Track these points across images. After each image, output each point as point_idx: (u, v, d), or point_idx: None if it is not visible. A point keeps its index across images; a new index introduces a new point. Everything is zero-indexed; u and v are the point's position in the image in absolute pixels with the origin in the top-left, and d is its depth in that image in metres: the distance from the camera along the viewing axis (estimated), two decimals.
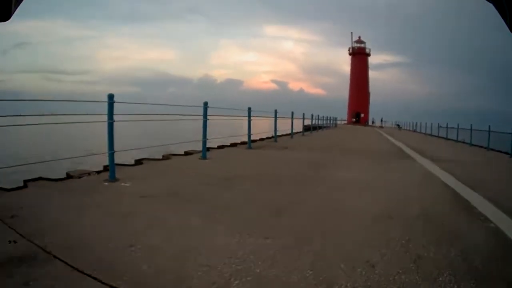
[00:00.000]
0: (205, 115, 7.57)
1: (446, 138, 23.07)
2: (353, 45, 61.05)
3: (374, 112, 61.03)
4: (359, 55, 60.02)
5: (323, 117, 32.00)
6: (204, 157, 7.62)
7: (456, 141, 20.16)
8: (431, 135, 28.01)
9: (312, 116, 24.91)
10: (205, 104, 7.55)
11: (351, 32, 61.90)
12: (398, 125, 45.84)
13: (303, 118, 21.67)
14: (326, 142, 15.03)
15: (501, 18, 1.23)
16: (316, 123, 28.52)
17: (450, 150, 14.29)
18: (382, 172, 6.66)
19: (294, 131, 17.29)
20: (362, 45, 61.05)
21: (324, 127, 32.27)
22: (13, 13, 1.20)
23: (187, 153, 8.64)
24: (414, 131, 36.96)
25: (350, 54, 61.32)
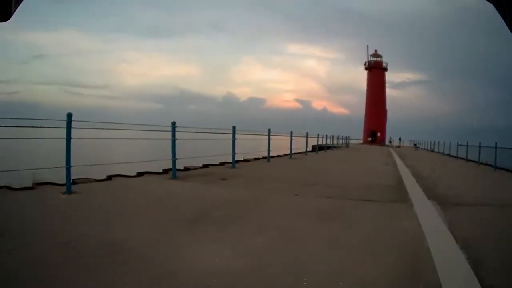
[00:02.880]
0: (173, 135, 7.44)
1: (467, 159, 19.33)
2: (369, 59, 55.46)
3: (394, 131, 56.52)
4: (375, 70, 54.54)
5: (332, 136, 28.88)
6: (174, 177, 7.39)
7: (478, 163, 16.46)
8: (449, 155, 24.07)
9: (318, 135, 22.16)
10: (173, 124, 7.45)
11: (367, 45, 55.89)
12: (415, 145, 41.51)
13: (306, 137, 18.98)
14: (314, 167, 11.92)
15: (501, 18, 1.20)
16: (324, 142, 25.75)
17: (471, 177, 10.83)
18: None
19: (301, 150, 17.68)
20: (379, 59, 55.23)
21: (334, 147, 29.06)
22: (13, 13, 1.17)
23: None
24: (432, 151, 32.87)
25: (366, 68, 55.82)
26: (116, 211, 4.53)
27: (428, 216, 4.80)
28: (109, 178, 7.42)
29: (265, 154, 13.33)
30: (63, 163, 5.30)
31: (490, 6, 1.21)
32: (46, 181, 6.28)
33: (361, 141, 53.25)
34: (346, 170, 11.46)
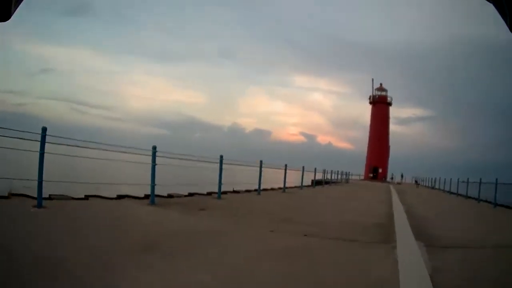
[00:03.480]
0: (153, 160, 7.14)
1: (467, 196, 18.60)
2: (374, 93, 53.95)
3: (396, 167, 55.22)
4: (380, 104, 53.08)
5: (331, 171, 28.33)
6: (152, 203, 7.03)
7: (478, 200, 15.75)
8: (450, 192, 23.29)
9: (315, 170, 21.78)
10: (154, 148, 7.15)
11: (372, 79, 54.60)
12: (416, 182, 40.59)
13: (302, 171, 18.57)
14: (304, 202, 11.35)
15: (502, 18, 1.20)
16: (324, 177, 25.24)
17: (467, 216, 10.19)
18: None
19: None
20: (384, 93, 53.75)
21: (333, 182, 28.43)
22: (13, 13, 1.17)
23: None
24: (433, 187, 32.04)
25: (370, 103, 54.45)
26: (73, 230, 4.38)
27: (410, 260, 4.24)
28: (86, 198, 7.13)
29: (262, 186, 12.87)
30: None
31: (491, 6, 1.19)
32: (23, 193, 6.13)
33: (363, 177, 52.16)
34: (337, 207, 10.87)
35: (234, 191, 12.47)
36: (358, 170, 53.61)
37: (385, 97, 54.13)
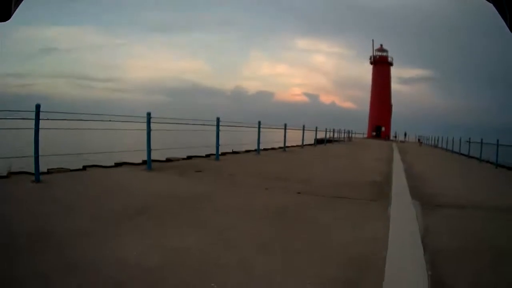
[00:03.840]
0: (148, 126, 7.05)
1: (468, 156, 18.46)
2: (374, 54, 53.53)
3: (400, 126, 54.89)
4: (380, 64, 52.59)
5: (333, 130, 28.09)
6: (149, 168, 7.08)
7: (480, 160, 15.59)
8: (452, 151, 23.13)
9: (316, 129, 21.54)
10: (148, 114, 7.10)
11: (372, 40, 53.99)
12: (419, 140, 40.27)
13: (303, 130, 18.40)
14: (304, 161, 11.27)
15: (501, 18, 1.20)
16: (327, 136, 25.07)
17: (467, 175, 10.07)
18: None
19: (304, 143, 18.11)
20: (384, 54, 53.17)
21: (335, 141, 28.27)
22: (13, 13, 1.17)
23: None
24: (435, 146, 31.84)
25: (371, 63, 53.99)
26: (67, 201, 4.27)
27: (402, 218, 4.13)
28: (84, 168, 7.05)
29: (263, 146, 12.75)
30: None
31: (491, 6, 1.20)
32: (23, 170, 6.10)
33: (366, 136, 52.06)
34: (336, 165, 10.76)
35: (233, 152, 12.36)
36: (362, 129, 53.62)
37: (385, 57, 53.44)
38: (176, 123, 9.29)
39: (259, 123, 12.37)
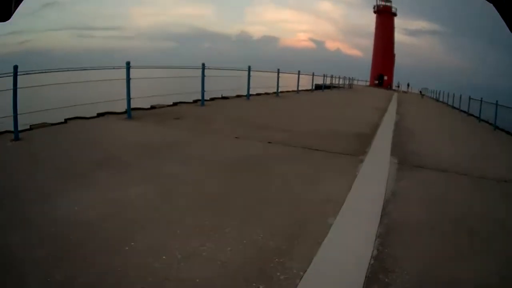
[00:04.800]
0: (128, 75, 6.88)
1: (468, 114, 17.84)
2: (378, 3, 51.53)
3: (404, 76, 53.44)
4: (384, 14, 50.87)
5: (331, 76, 27.02)
6: (129, 117, 6.83)
7: (479, 119, 15.01)
8: (452, 106, 22.44)
9: (313, 74, 20.72)
10: (127, 64, 6.89)
11: None
12: (421, 92, 39.11)
13: (298, 75, 17.66)
14: (293, 108, 10.75)
15: (501, 18, 1.22)
16: (327, 82, 24.21)
17: (461, 135, 9.65)
18: None
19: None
20: (388, 4, 51.36)
21: (334, 87, 27.35)
22: (13, 13, 1.17)
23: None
24: (437, 100, 31.00)
25: (374, 12, 52.11)
26: (38, 157, 4.11)
27: (371, 179, 3.78)
28: (65, 121, 6.68)
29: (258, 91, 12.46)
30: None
31: (490, 6, 1.21)
32: (4, 130, 5.78)
33: (369, 84, 50.85)
34: (325, 113, 10.26)
35: (223, 98, 11.77)
36: (366, 76, 52.28)
37: (389, 7, 51.76)
38: (155, 68, 8.78)
39: (249, 67, 11.63)
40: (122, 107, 7.72)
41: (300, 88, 18.80)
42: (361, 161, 4.46)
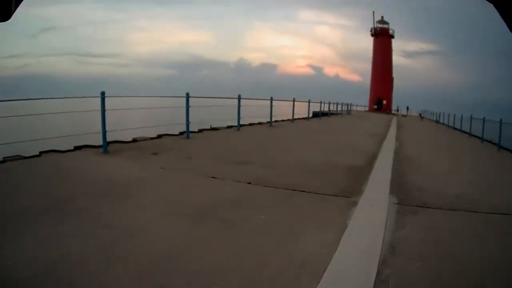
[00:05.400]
0: (102, 105, 6.33)
1: (470, 134, 17.20)
2: (375, 26, 51.84)
3: (403, 100, 53.34)
4: (381, 36, 50.99)
5: (329, 102, 26.70)
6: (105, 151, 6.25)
7: (482, 140, 14.36)
8: (454, 128, 21.85)
9: (309, 101, 20.43)
10: (102, 94, 6.37)
11: (373, 11, 52.10)
12: (420, 115, 38.74)
13: (293, 103, 17.27)
14: (284, 139, 10.16)
15: (501, 18, 1.19)
16: (324, 109, 23.84)
17: (467, 160, 8.94)
18: None
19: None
20: (385, 26, 51.60)
21: (332, 114, 26.94)
22: (13, 13, 1.15)
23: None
24: (437, 122, 30.49)
25: (372, 35, 52.30)
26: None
27: (364, 228, 3.08)
28: (39, 154, 6.16)
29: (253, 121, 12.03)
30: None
31: (491, 6, 1.17)
32: None
33: (368, 109, 50.60)
34: (319, 143, 9.64)
35: (212, 129, 11.26)
36: (365, 101, 52.23)
37: (386, 29, 51.99)
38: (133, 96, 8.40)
39: (239, 96, 11.17)
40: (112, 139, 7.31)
41: (296, 116, 18.40)
42: (355, 204, 3.77)
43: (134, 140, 8.15)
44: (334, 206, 3.67)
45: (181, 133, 9.45)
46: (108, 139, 6.57)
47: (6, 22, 1.14)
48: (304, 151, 7.71)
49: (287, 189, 4.22)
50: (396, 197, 4.15)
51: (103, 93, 6.35)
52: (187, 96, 8.66)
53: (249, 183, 4.41)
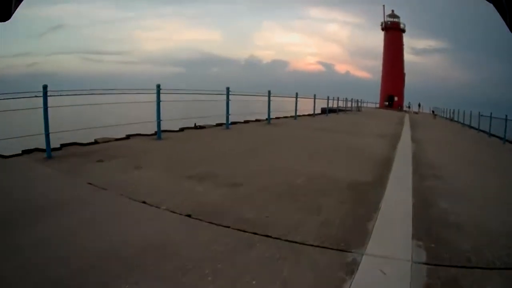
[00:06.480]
0: (45, 103, 5.26)
1: (490, 134, 15.21)
2: (385, 19, 49.17)
3: (415, 97, 50.98)
4: (392, 31, 48.31)
5: (337, 98, 24.82)
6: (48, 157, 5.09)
7: (504, 140, 12.52)
8: (470, 126, 19.79)
9: (314, 97, 18.69)
10: (45, 87, 5.33)
11: (383, 5, 49.48)
12: (433, 112, 36.50)
13: (296, 99, 15.71)
14: (281, 141, 8.48)
15: (501, 18, 1.18)
16: (331, 105, 22.09)
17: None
18: None
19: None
20: (396, 20, 48.86)
21: (340, 110, 25.10)
22: (13, 13, 1.15)
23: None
24: (452, 119, 28.35)
25: (382, 29, 49.64)
26: None
27: None
28: None
29: (255, 117, 11.29)
30: None
31: (491, 6, 1.16)
32: None
33: (379, 106, 48.37)
34: (319, 146, 7.95)
35: (196, 127, 9.69)
36: (376, 98, 50.03)
37: (397, 23, 49.17)
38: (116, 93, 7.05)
39: (228, 89, 9.56)
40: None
41: (304, 113, 16.93)
42: (354, 265, 2.12)
43: (95, 142, 6.68)
44: (314, 272, 2.02)
45: (155, 133, 7.91)
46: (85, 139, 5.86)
47: (6, 22, 1.12)
48: (294, 157, 6.00)
49: (244, 230, 2.59)
50: (424, 248, 2.49)
51: (45, 87, 5.28)
52: (158, 88, 7.13)
53: (189, 215, 2.80)
